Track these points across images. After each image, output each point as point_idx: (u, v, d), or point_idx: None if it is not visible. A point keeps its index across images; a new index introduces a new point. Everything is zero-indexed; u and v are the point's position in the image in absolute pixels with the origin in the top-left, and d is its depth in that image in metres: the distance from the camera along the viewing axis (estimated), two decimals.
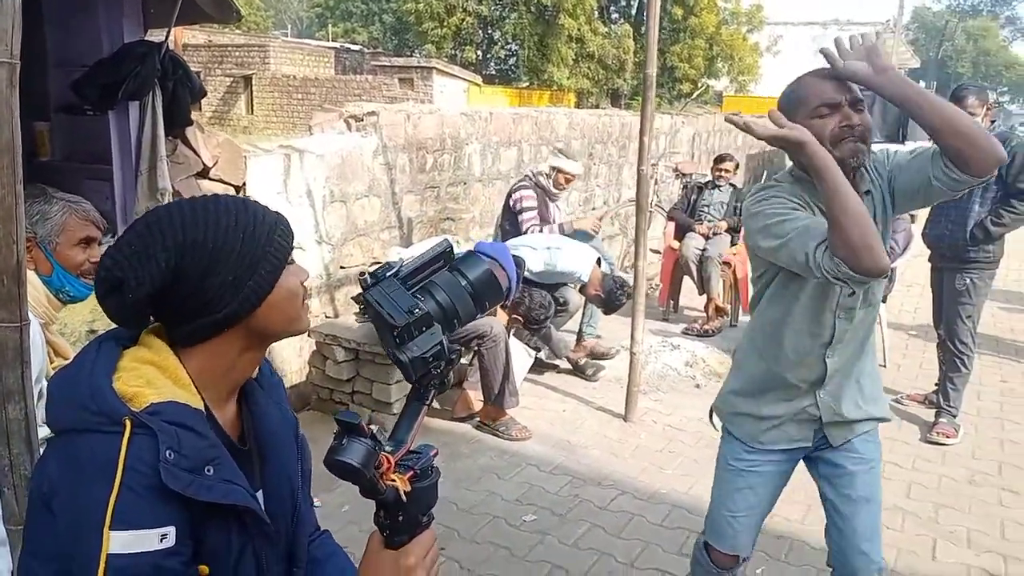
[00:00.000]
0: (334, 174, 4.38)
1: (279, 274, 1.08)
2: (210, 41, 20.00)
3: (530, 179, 4.80)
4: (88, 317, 3.06)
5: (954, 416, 3.95)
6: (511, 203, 4.74)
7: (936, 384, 4.15)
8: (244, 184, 3.79)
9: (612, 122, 7.60)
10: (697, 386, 4.60)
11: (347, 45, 25.61)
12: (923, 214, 4.48)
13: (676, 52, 18.68)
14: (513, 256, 3.68)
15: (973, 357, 3.98)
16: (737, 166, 6.21)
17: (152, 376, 1.01)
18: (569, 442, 3.77)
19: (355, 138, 4.63)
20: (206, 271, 1.02)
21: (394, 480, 0.98)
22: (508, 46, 21.84)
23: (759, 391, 1.93)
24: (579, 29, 18.19)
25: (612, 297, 4.35)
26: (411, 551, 1.03)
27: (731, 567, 2.05)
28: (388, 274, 1.05)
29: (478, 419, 3.88)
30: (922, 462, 3.68)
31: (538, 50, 18.88)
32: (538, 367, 4.69)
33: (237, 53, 19.49)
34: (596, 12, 19.13)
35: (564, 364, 4.76)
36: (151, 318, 1.07)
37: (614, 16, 21.68)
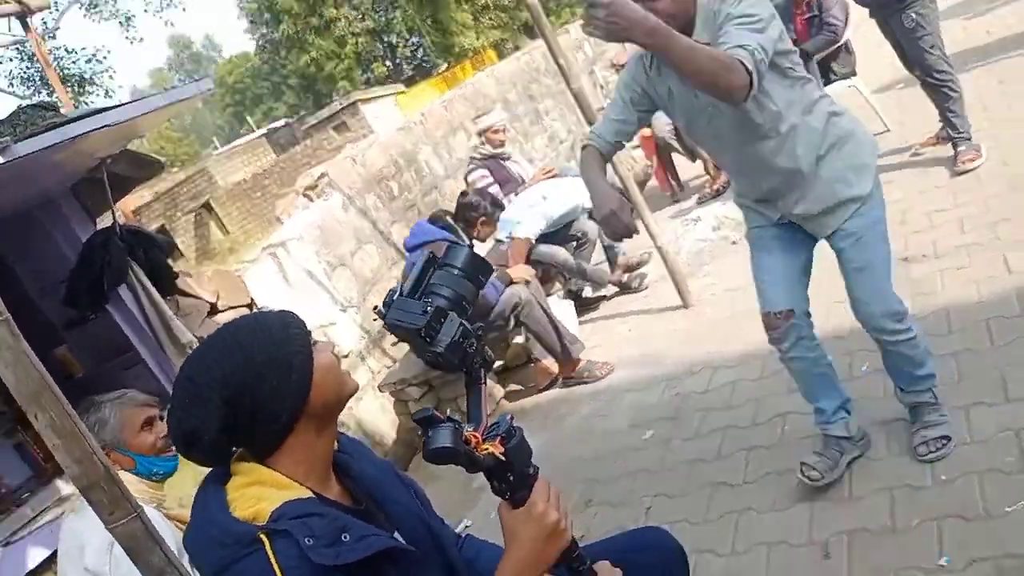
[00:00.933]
0: (322, 245, 4.52)
1: (311, 360, 1.21)
2: (156, 192, 20.31)
3: (473, 160, 4.94)
4: (194, 475, 3.28)
5: (969, 139, 3.95)
6: (471, 190, 4.84)
7: (939, 120, 4.15)
8: (252, 300, 3.95)
9: (533, 56, 7.61)
10: (733, 243, 4.65)
11: (272, 126, 25.79)
12: None
13: None
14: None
15: (956, 78, 3.97)
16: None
17: (260, 492, 1.15)
18: (649, 353, 3.87)
19: (320, 205, 4.76)
20: (252, 390, 1.15)
21: (487, 448, 1.12)
22: (409, 42, 21.72)
23: (735, 191, 2.42)
24: None
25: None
26: (535, 500, 1.18)
27: (775, 326, 2.37)
28: (394, 297, 1.20)
29: (561, 379, 4.01)
30: (962, 193, 3.70)
31: (437, 31, 18.80)
32: (589, 306, 4.80)
33: (185, 189, 19.77)
34: None
35: (610, 291, 4.85)
36: (231, 449, 1.22)
37: None
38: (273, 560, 1.06)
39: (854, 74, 5.00)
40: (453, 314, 1.18)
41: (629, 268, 4.97)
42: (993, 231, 3.24)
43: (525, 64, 7.41)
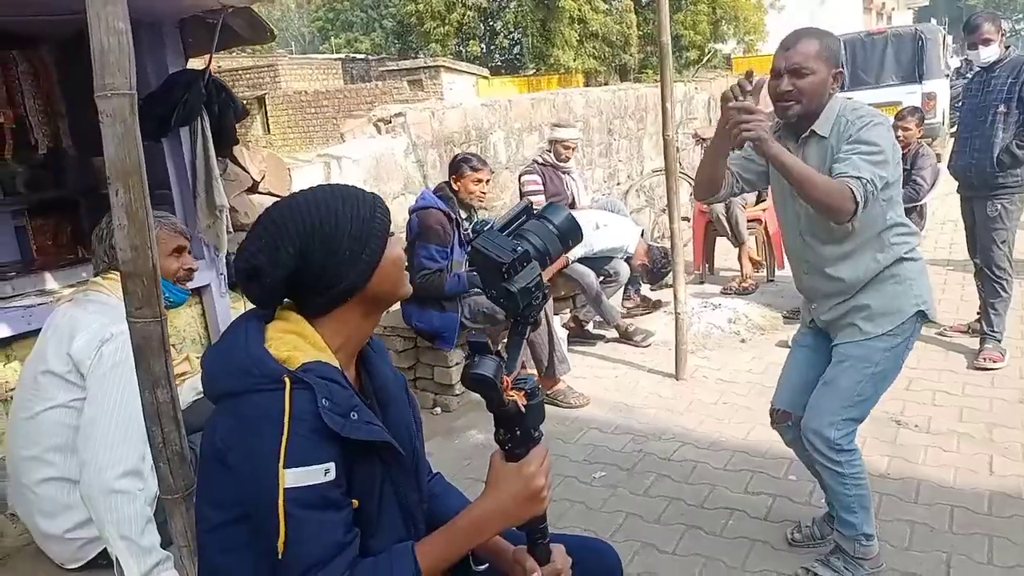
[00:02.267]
0: (371, 176, 4.57)
1: (385, 245, 1.26)
2: (219, 67, 20.31)
3: (534, 163, 4.99)
4: (190, 316, 3.37)
5: (999, 341, 4.03)
6: (520, 190, 4.94)
7: (978, 313, 4.23)
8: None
9: (627, 96, 7.70)
10: (743, 341, 4.72)
11: (352, 55, 25.81)
12: (947, 148, 4.53)
13: (680, 20, 18.59)
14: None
15: (1012, 281, 4.05)
16: None
17: (297, 342, 1.20)
18: (626, 404, 3.93)
19: (386, 140, 4.82)
20: (327, 251, 1.20)
21: (513, 395, 1.16)
22: (511, 35, 21.86)
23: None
24: (580, 10, 18.18)
25: (658, 267, 4.62)
26: (530, 460, 1.21)
27: (775, 420, 2.55)
28: (486, 227, 1.25)
29: None
30: (972, 387, 3.77)
31: (542, 36, 18.92)
32: (588, 339, 4.85)
33: (247, 76, 19.81)
34: None
35: (612, 333, 4.91)
36: (284, 298, 1.26)
37: None
38: (287, 402, 1.10)
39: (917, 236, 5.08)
40: (536, 263, 1.22)
41: (645, 304, 5.07)
42: (989, 431, 3.31)
43: (617, 99, 7.50)
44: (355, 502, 1.19)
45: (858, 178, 1.99)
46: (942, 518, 2.71)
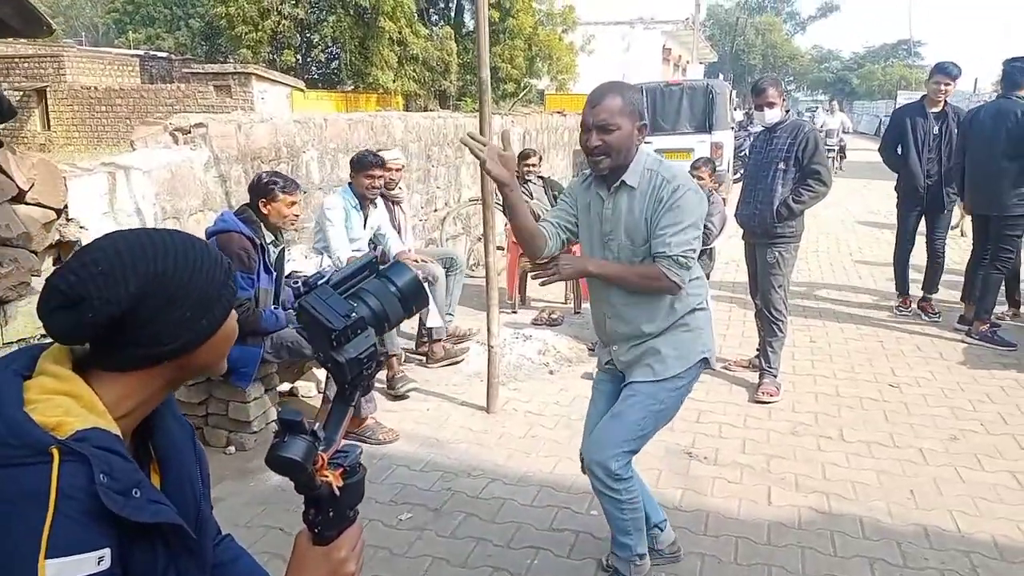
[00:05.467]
0: (164, 190, 4.18)
1: (225, 319, 1.12)
2: None
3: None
4: None
5: (775, 376, 4.42)
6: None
7: (757, 349, 4.62)
8: (66, 206, 3.54)
9: (447, 124, 7.72)
10: (551, 372, 4.82)
11: (152, 52, 24.01)
12: (734, 197, 4.94)
13: (498, 53, 19.09)
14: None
15: (787, 322, 4.47)
16: (541, 159, 6.60)
17: (69, 406, 1.00)
18: (436, 439, 3.85)
19: (184, 151, 4.44)
20: (167, 304, 1.04)
21: (327, 476, 1.03)
22: (328, 49, 21.34)
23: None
24: (400, 32, 18.12)
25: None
26: (341, 544, 1.09)
27: (583, 468, 2.58)
28: (320, 282, 1.11)
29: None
30: (752, 419, 4.09)
31: (360, 53, 18.63)
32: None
33: (26, 64, 17.78)
34: (416, 15, 19.15)
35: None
36: (81, 338, 1.05)
37: (434, 19, 21.78)
38: (55, 479, 0.91)
39: (707, 278, 5.48)
40: (372, 331, 1.11)
41: (457, 339, 5.01)
42: (767, 462, 3.59)
43: (436, 126, 7.49)
44: None
45: (672, 258, 2.27)
46: (728, 550, 2.88)
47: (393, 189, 4.98)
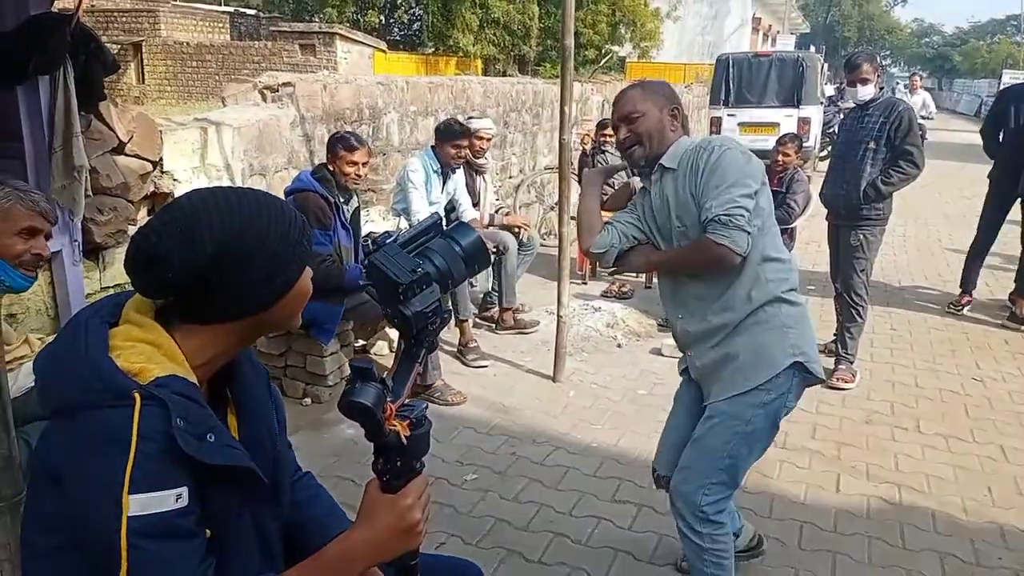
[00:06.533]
0: (252, 146, 4.32)
1: (299, 276, 1.16)
2: (93, 5, 18.79)
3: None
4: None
5: (851, 362, 4.30)
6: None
7: (835, 334, 4.50)
8: (161, 159, 3.70)
9: (525, 90, 7.69)
10: (619, 346, 4.81)
11: (242, 9, 24.50)
12: (819, 175, 4.79)
13: (580, 18, 18.77)
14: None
15: (867, 307, 4.33)
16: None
17: (151, 353, 1.06)
18: (503, 404, 3.91)
19: (272, 109, 4.56)
20: (243, 263, 1.08)
21: (395, 425, 1.08)
22: (411, 11, 21.41)
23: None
24: None
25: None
26: (408, 493, 1.13)
27: (657, 484, 2.47)
28: (388, 240, 1.14)
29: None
30: (824, 406, 4.00)
31: (442, 15, 18.62)
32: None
33: (124, 19, 18.44)
34: None
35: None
36: (168, 295, 1.11)
37: None
38: (136, 421, 0.98)
39: (795, 274, 5.34)
40: (436, 287, 1.15)
41: (517, 324, 5.02)
42: (837, 449, 3.52)
43: (516, 91, 7.47)
44: (208, 532, 1.07)
45: (715, 220, 1.97)
46: (792, 535, 2.85)
47: (480, 159, 4.97)
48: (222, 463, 1.05)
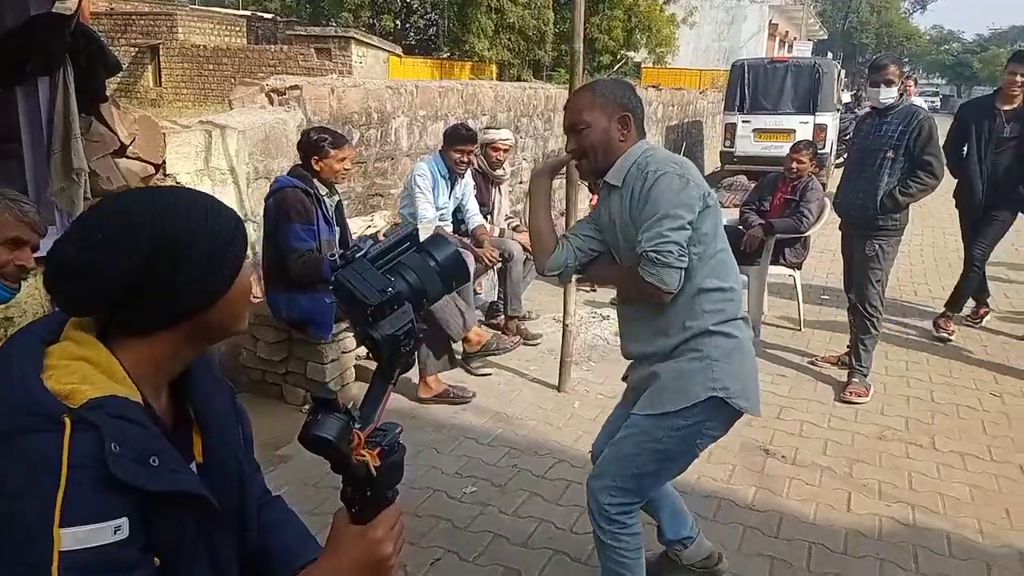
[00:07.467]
0: (257, 150, 4.27)
1: (238, 272, 1.08)
2: (112, 8, 18.97)
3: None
4: None
5: (865, 376, 4.19)
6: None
7: (848, 346, 4.39)
8: (164, 162, 3.66)
9: (537, 95, 7.63)
10: None
11: (259, 13, 24.64)
12: (834, 183, 4.67)
13: (595, 23, 18.73)
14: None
15: (882, 319, 4.22)
16: None
17: (86, 372, 0.98)
18: (506, 414, 3.84)
19: (278, 112, 4.52)
20: (175, 265, 1.01)
21: (364, 455, 1.00)
22: (427, 15, 21.46)
23: None
24: (498, 0, 18.04)
25: None
26: (378, 524, 1.06)
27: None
28: (358, 255, 1.07)
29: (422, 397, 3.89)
30: (836, 420, 3.90)
31: (458, 20, 18.64)
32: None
33: (142, 21, 18.57)
34: None
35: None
36: (98, 307, 1.04)
37: None
38: (66, 448, 0.90)
39: (799, 268, 5.25)
40: (409, 306, 1.06)
41: (522, 335, 4.93)
42: (849, 466, 3.41)
43: (527, 96, 7.41)
44: (156, 560, 1.00)
45: (644, 255, 1.94)
46: (801, 555, 2.75)
47: (497, 169, 4.90)
48: (166, 489, 0.97)
